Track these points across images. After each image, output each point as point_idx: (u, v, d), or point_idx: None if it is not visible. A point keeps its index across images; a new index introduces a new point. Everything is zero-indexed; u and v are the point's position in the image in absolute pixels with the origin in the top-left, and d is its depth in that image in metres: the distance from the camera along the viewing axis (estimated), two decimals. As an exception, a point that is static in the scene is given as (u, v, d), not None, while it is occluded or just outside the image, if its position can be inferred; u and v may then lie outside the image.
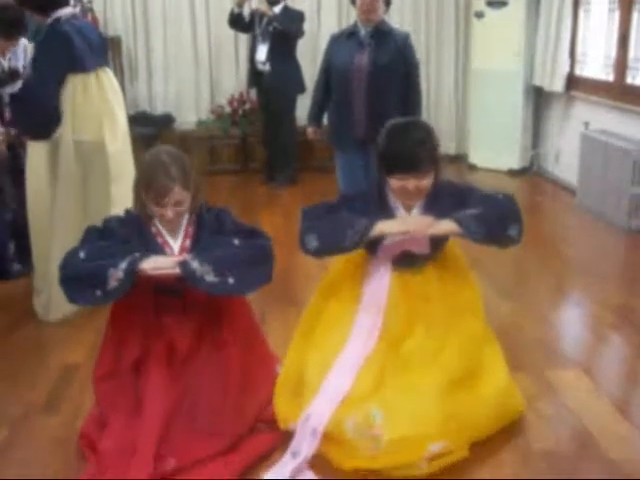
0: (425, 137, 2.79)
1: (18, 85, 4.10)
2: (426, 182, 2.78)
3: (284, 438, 2.65)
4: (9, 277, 4.36)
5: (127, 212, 2.81)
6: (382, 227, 2.77)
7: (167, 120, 7.47)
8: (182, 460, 2.48)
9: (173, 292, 2.75)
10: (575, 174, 6.06)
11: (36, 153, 3.81)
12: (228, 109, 7.35)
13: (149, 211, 2.71)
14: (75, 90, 3.71)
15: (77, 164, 3.77)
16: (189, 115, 7.60)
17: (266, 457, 2.61)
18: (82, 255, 2.63)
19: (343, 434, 2.55)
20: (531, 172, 7.08)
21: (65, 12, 3.71)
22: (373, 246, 2.90)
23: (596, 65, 6.17)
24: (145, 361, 2.70)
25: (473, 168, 7.26)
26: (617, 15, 5.74)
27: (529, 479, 2.49)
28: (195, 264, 2.56)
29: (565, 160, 6.54)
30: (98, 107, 3.77)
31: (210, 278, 2.56)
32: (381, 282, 2.91)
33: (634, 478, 2.47)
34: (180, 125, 7.54)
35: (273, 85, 6.52)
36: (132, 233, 2.73)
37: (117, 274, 2.54)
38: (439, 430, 2.53)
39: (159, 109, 7.59)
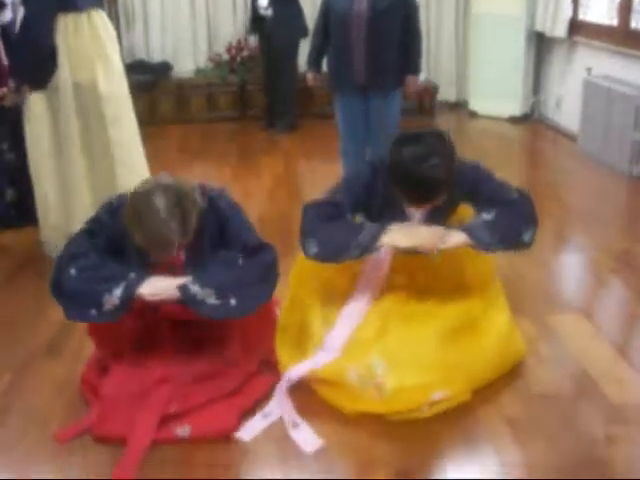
0: (441, 164, 2.55)
1: (6, 16, 4.01)
2: (439, 201, 2.67)
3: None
4: (8, 225, 4.34)
5: (119, 198, 2.63)
6: (390, 241, 2.66)
7: (164, 68, 7.37)
8: (184, 405, 2.49)
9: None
10: (576, 121, 6.00)
11: (37, 99, 3.77)
12: (226, 57, 7.26)
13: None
14: (67, 30, 3.64)
15: (75, 107, 3.73)
16: (187, 63, 7.50)
17: (265, 399, 2.63)
18: (73, 272, 2.51)
19: (346, 383, 2.57)
20: (532, 119, 7.01)
21: None
22: None
23: (600, 9, 6.08)
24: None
25: (474, 115, 7.19)
26: (622, -43, 5.63)
27: (529, 420, 2.51)
28: (196, 288, 2.46)
29: (567, 107, 6.47)
30: (90, 48, 3.70)
31: (211, 301, 2.47)
32: (381, 264, 2.87)
33: (633, 420, 2.49)
34: (177, 73, 7.45)
35: (275, 30, 6.43)
36: (123, 227, 2.52)
37: (112, 300, 2.45)
38: (442, 379, 2.54)
39: (156, 57, 7.48)
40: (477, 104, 7.25)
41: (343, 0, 4.29)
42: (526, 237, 2.71)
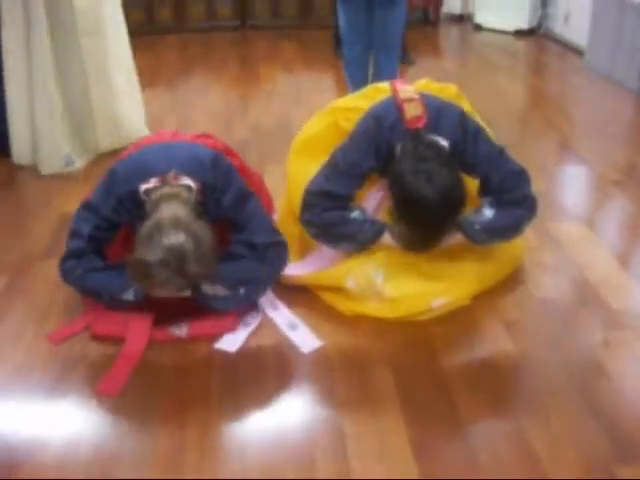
0: (450, 213, 2.41)
1: None
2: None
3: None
4: None
5: (117, 199, 2.40)
6: (389, 242, 2.57)
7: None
8: (182, 306, 2.47)
9: None
10: (585, 35, 5.85)
11: (8, 5, 3.66)
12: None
13: None
14: None
15: (46, 13, 3.62)
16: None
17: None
18: (79, 272, 2.42)
19: (344, 289, 2.56)
20: (539, 33, 6.85)
21: None
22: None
23: None
24: None
25: (478, 28, 7.02)
26: None
27: (528, 324, 2.51)
28: (206, 286, 2.38)
29: (575, 20, 6.30)
30: None
31: (222, 292, 2.40)
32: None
33: (630, 326, 2.50)
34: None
35: None
36: (128, 216, 2.41)
37: (123, 302, 2.40)
38: (441, 286, 2.54)
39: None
40: (482, 17, 7.06)
41: None
42: (525, 227, 2.66)
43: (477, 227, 2.55)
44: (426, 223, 2.41)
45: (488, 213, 2.58)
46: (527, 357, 2.34)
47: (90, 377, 2.27)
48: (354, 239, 2.58)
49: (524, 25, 6.79)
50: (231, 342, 2.42)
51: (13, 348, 2.42)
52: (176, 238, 2.11)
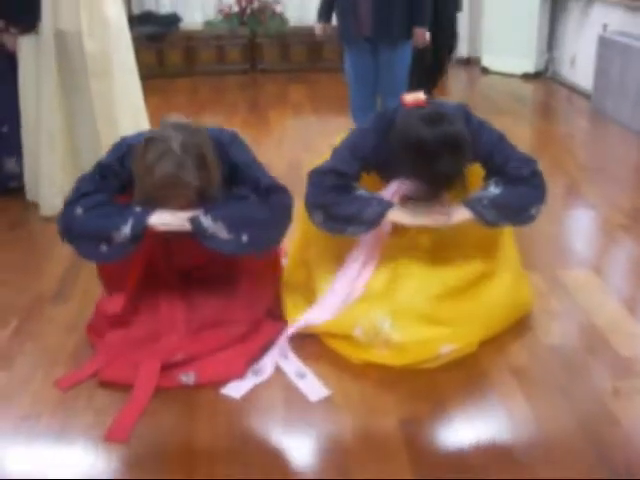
0: (455, 165, 2.42)
1: None
2: (450, 182, 2.54)
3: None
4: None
5: (126, 144, 2.53)
6: (394, 218, 2.58)
7: (173, 20, 7.29)
8: (190, 352, 2.49)
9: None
10: (591, 78, 5.92)
11: (25, 47, 3.75)
12: (236, 8, 7.15)
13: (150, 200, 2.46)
14: None
15: (56, 55, 3.70)
16: (195, 15, 7.41)
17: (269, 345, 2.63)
18: (79, 211, 2.46)
19: (352, 337, 2.56)
20: (546, 76, 6.92)
21: None
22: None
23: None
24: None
25: (485, 71, 7.10)
26: None
27: (537, 371, 2.50)
28: (207, 221, 2.41)
29: (581, 64, 6.37)
30: None
31: (223, 235, 2.42)
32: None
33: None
34: (186, 25, 7.36)
35: None
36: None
37: (122, 235, 2.39)
38: (449, 333, 2.53)
39: (165, 9, 7.39)
40: (490, 60, 7.15)
41: None
42: (533, 212, 2.64)
43: (485, 202, 2.55)
44: (432, 153, 2.38)
45: (494, 190, 2.59)
46: (536, 406, 2.32)
47: (98, 423, 2.26)
48: (360, 218, 2.56)
49: (531, 68, 6.87)
50: (237, 388, 2.41)
51: (22, 393, 2.42)
52: (182, 135, 2.34)
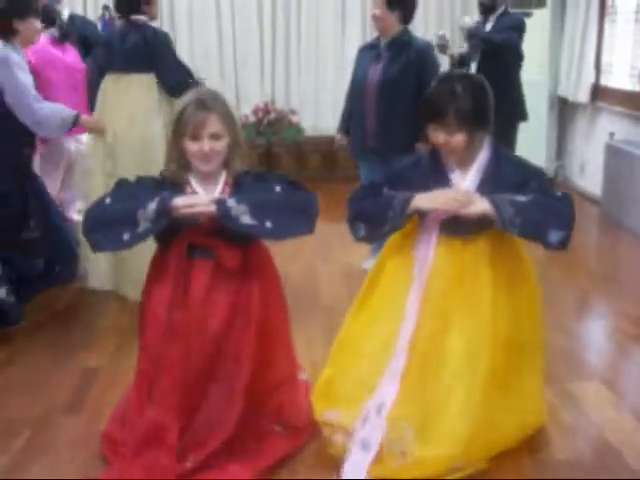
0: (463, 91, 2.59)
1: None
2: (456, 141, 2.61)
3: (303, 441, 2.71)
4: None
5: (161, 174, 2.66)
6: (417, 203, 2.62)
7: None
8: (198, 455, 2.48)
9: (205, 252, 2.58)
10: (600, 185, 6.02)
11: (92, 151, 4.19)
12: (253, 118, 7.40)
13: (183, 161, 2.57)
14: (106, 87, 4.11)
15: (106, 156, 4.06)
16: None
17: (283, 462, 2.61)
18: (108, 201, 2.55)
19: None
20: (556, 183, 7.03)
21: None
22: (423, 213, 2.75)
23: (622, 75, 6.14)
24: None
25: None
26: (643, 25, 5.71)
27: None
28: (231, 202, 2.45)
29: (590, 171, 6.50)
30: (120, 107, 4.07)
31: (246, 219, 2.44)
32: (428, 248, 2.74)
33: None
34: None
35: None
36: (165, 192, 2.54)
37: (147, 214, 2.42)
38: (466, 450, 2.51)
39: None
40: (501, 167, 7.28)
41: (362, 66, 4.39)
42: (553, 237, 2.55)
43: (507, 200, 2.53)
44: (442, 81, 2.68)
45: (520, 198, 2.56)
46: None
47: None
48: (390, 210, 2.64)
49: (541, 175, 6.99)
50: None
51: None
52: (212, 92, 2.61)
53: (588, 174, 6.55)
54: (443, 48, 5.31)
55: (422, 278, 2.70)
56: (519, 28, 5.33)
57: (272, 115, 7.36)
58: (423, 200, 2.63)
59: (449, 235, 2.71)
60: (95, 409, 3.01)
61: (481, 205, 2.55)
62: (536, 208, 2.54)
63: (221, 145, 2.55)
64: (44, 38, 4.58)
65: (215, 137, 2.52)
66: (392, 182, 2.79)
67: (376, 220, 2.73)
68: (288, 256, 4.94)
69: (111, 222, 2.48)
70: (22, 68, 3.66)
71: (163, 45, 4.10)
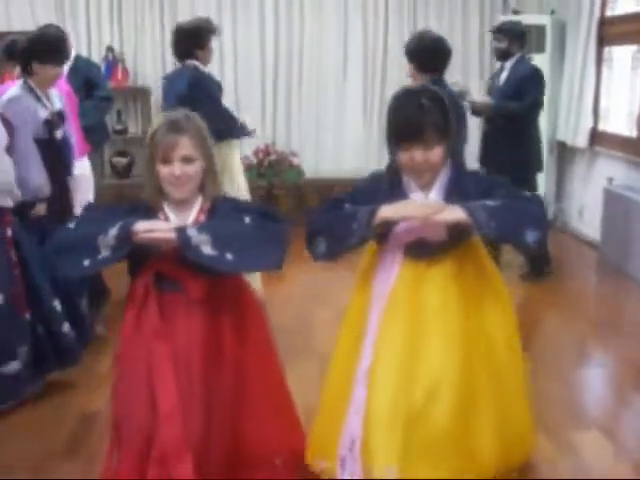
0: (431, 104, 2.53)
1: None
2: (435, 155, 2.53)
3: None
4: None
5: (137, 201, 2.59)
6: (384, 213, 2.51)
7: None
8: None
9: (173, 285, 2.50)
10: (598, 229, 6.04)
11: None
12: (254, 160, 7.45)
13: (158, 187, 2.48)
14: None
15: None
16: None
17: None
18: (72, 225, 2.49)
19: None
20: (555, 226, 7.06)
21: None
22: (384, 235, 2.65)
23: (619, 121, 6.21)
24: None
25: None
26: (640, 73, 5.79)
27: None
28: (192, 232, 2.35)
29: (589, 215, 6.52)
30: None
31: (207, 250, 2.34)
32: (390, 272, 2.65)
33: None
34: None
35: None
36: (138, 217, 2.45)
37: (107, 240, 2.35)
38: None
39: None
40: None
41: None
42: (529, 238, 2.49)
43: (480, 206, 2.46)
44: (406, 98, 2.58)
45: (490, 203, 2.50)
46: None
47: None
48: (353, 223, 2.52)
49: (540, 219, 7.02)
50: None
51: None
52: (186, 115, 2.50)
53: (587, 218, 6.58)
54: (462, 94, 5.15)
55: (381, 304, 2.62)
56: (540, 82, 5.32)
57: (273, 157, 7.41)
58: (391, 210, 2.53)
59: (413, 258, 2.64)
60: (93, 453, 2.99)
61: (454, 212, 2.47)
62: (508, 211, 2.49)
63: (194, 169, 2.46)
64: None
65: (187, 160, 2.44)
66: (354, 197, 2.69)
67: (339, 234, 2.59)
68: (281, 303, 4.92)
69: (72, 247, 2.42)
70: None
71: (204, 91, 4.27)
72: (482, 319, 2.65)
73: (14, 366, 3.37)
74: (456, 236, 2.61)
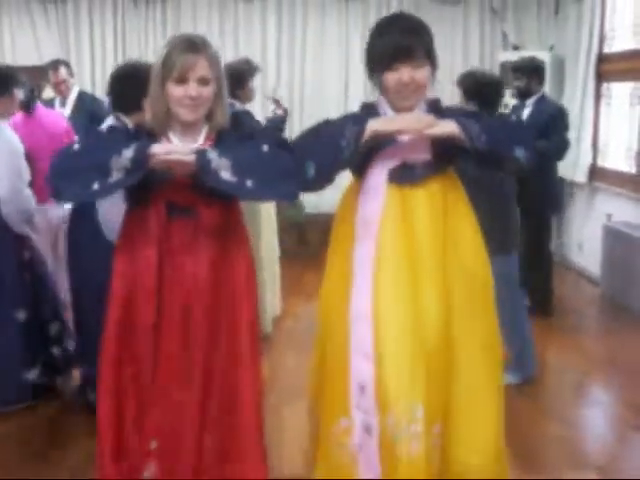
0: (417, 27, 2.52)
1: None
2: (421, 75, 2.47)
3: None
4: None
5: (137, 125, 2.51)
6: (375, 125, 2.43)
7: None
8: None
9: (185, 211, 2.40)
10: (598, 265, 6.05)
11: None
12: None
13: (164, 110, 2.37)
14: None
15: None
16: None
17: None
18: (76, 147, 2.35)
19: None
20: (555, 261, 7.06)
21: None
22: (366, 162, 2.55)
23: (618, 156, 6.25)
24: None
25: (496, 255, 7.25)
26: (639, 109, 5.82)
27: None
28: (213, 154, 2.27)
29: (588, 250, 6.54)
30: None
31: (226, 175, 2.26)
32: (375, 198, 2.55)
33: None
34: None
35: None
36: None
37: (122, 162, 2.22)
38: None
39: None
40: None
41: None
42: (519, 153, 2.47)
43: (472, 123, 2.43)
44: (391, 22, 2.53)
45: (478, 122, 2.46)
46: None
47: None
48: (344, 137, 2.41)
49: (540, 253, 7.03)
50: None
51: None
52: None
53: (586, 253, 6.59)
54: None
55: (371, 232, 2.53)
56: (567, 121, 5.31)
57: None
58: (380, 122, 2.46)
59: (398, 183, 2.54)
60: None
61: (446, 125, 2.42)
62: (499, 127, 2.53)
63: (208, 91, 2.36)
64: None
65: (203, 82, 2.34)
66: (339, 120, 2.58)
67: (327, 153, 2.46)
68: (283, 340, 4.91)
69: (79, 169, 2.28)
70: None
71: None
72: (460, 251, 2.58)
73: (34, 372, 3.80)
74: (440, 156, 2.54)
